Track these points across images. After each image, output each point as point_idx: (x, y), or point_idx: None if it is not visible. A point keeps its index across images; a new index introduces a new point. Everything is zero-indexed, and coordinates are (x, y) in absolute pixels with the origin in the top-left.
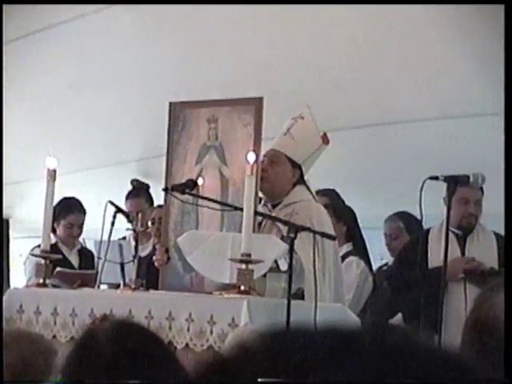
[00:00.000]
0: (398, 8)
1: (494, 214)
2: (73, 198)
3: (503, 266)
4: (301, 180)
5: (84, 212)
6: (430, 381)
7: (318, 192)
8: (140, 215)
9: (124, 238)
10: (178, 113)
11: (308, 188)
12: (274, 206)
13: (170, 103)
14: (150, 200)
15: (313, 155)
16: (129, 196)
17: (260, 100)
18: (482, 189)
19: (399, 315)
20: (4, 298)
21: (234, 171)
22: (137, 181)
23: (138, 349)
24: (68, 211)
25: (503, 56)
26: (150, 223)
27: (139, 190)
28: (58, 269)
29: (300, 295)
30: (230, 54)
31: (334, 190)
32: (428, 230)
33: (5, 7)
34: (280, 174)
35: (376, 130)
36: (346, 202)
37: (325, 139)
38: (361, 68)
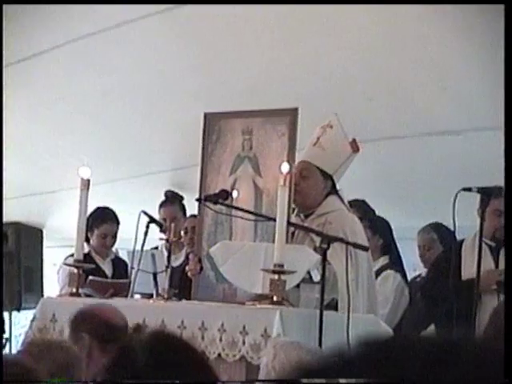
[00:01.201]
0: (416, 13)
1: None
2: (106, 208)
3: None
4: (333, 190)
5: (118, 222)
6: None
7: (349, 203)
8: (173, 225)
9: (156, 247)
10: (213, 124)
11: (340, 198)
12: (306, 217)
13: (205, 114)
14: (184, 210)
15: (343, 164)
16: (163, 204)
17: (295, 111)
18: None
19: (432, 327)
20: (37, 307)
21: (268, 182)
22: (171, 192)
23: (174, 359)
24: (102, 221)
25: None
26: (182, 233)
27: (174, 199)
28: (91, 277)
29: (333, 306)
30: (259, 63)
31: (364, 201)
32: (461, 242)
33: (38, 18)
34: (312, 187)
35: (408, 142)
36: (379, 213)
37: (354, 146)
38: (393, 79)
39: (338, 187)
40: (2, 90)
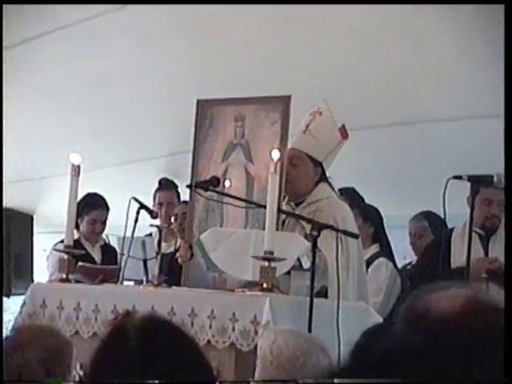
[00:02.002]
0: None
1: None
2: (96, 195)
3: None
4: (323, 177)
5: (107, 208)
6: None
7: (338, 190)
8: (164, 211)
9: (150, 234)
10: (206, 110)
11: (331, 185)
12: (297, 205)
13: (198, 101)
14: (179, 197)
15: (333, 151)
16: (160, 189)
17: (288, 98)
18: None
19: None
20: (27, 292)
21: (260, 169)
22: (166, 179)
23: (167, 344)
24: (92, 207)
25: None
26: (172, 219)
27: (170, 185)
28: (80, 263)
29: (324, 293)
30: (252, 51)
31: (353, 189)
32: (451, 230)
33: (25, 6)
34: (302, 174)
35: (400, 129)
36: (370, 202)
37: (343, 132)
38: (384, 67)
39: (328, 174)
40: (2, 87)
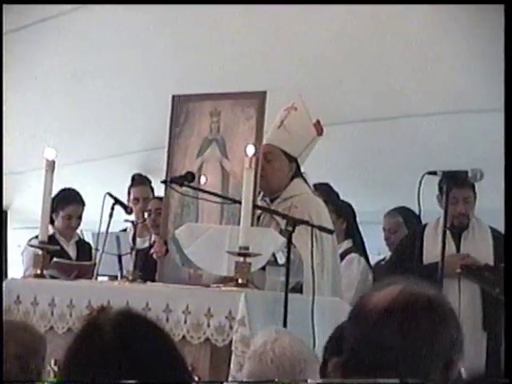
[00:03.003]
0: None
1: (496, 210)
2: (71, 190)
3: (499, 261)
4: (298, 173)
5: (83, 203)
6: None
7: (313, 186)
8: (138, 206)
9: (125, 229)
10: (181, 105)
11: (305, 181)
12: (272, 200)
13: (173, 96)
14: (153, 192)
15: (308, 146)
16: (134, 184)
17: (263, 94)
18: (473, 185)
19: None
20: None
21: (235, 164)
22: (139, 174)
23: (142, 339)
24: (67, 202)
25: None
26: (146, 214)
27: (144, 180)
28: (55, 259)
29: (299, 289)
30: (232, 47)
31: (328, 185)
32: (424, 226)
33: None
34: (277, 170)
35: (374, 125)
36: (344, 197)
37: (318, 128)
38: (361, 62)
39: (302, 170)
40: (2, 86)
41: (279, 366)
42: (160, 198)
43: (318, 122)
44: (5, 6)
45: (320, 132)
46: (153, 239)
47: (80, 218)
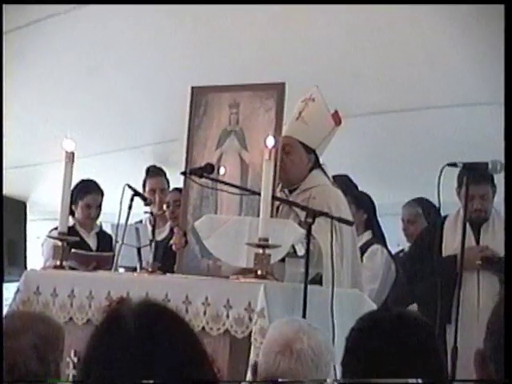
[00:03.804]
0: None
1: None
2: (90, 180)
3: None
4: (317, 164)
5: (102, 193)
6: None
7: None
8: (158, 198)
9: (140, 221)
10: (200, 97)
11: (324, 172)
12: (290, 192)
13: (192, 88)
14: (168, 184)
15: (326, 138)
16: (150, 175)
17: (282, 85)
18: (492, 179)
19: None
20: (21, 279)
21: (254, 156)
22: (154, 166)
23: (164, 329)
24: (85, 192)
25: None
26: (165, 206)
27: (159, 171)
28: (73, 250)
29: (319, 280)
30: (250, 39)
31: (347, 176)
32: (444, 218)
33: None
34: (296, 162)
35: (393, 117)
36: (363, 189)
37: (336, 119)
38: (378, 55)
39: (321, 161)
40: (2, 85)
41: (310, 363)
42: (179, 190)
43: (336, 112)
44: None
45: (338, 122)
46: (168, 230)
47: (99, 207)
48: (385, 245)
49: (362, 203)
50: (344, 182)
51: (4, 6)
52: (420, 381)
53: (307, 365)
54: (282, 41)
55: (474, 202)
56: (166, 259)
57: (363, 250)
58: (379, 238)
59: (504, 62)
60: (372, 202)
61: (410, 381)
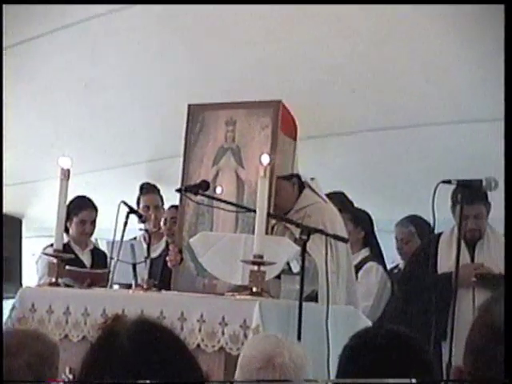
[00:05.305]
0: (407, 10)
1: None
2: (84, 196)
3: None
4: (303, 184)
5: (96, 209)
6: None
7: (327, 195)
8: (153, 215)
9: (135, 238)
10: (197, 115)
11: (313, 190)
12: (285, 213)
13: (189, 105)
14: (162, 200)
15: (294, 156)
16: (144, 192)
17: (278, 103)
18: (485, 197)
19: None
20: (16, 296)
21: (250, 173)
22: (147, 183)
23: (159, 346)
24: (80, 208)
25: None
26: (162, 223)
27: (153, 188)
28: (68, 267)
29: (314, 297)
30: (245, 56)
31: (342, 193)
32: (439, 236)
33: (19, 7)
34: (282, 194)
35: (389, 134)
36: (358, 205)
37: (292, 133)
38: (372, 72)
39: (312, 176)
40: (2, 89)
41: (292, 375)
42: (176, 207)
43: (288, 125)
44: (23, 16)
45: (294, 136)
46: (163, 247)
47: (94, 223)
48: (382, 262)
49: (360, 220)
50: (340, 199)
51: (4, 6)
52: (414, 380)
53: (290, 377)
54: (278, 57)
55: (468, 221)
56: (161, 276)
57: (359, 266)
58: (377, 255)
59: (504, 61)
60: (370, 219)
61: (405, 380)
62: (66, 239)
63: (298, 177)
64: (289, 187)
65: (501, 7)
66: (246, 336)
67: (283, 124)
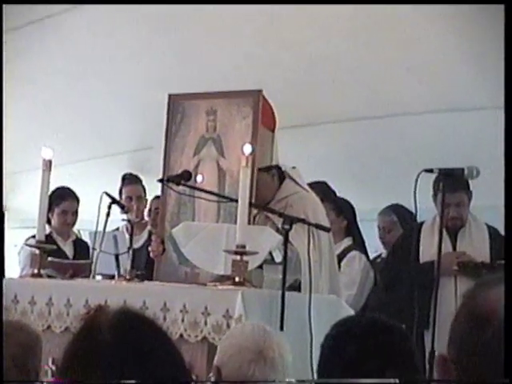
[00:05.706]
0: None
1: (492, 207)
2: (65, 187)
3: (496, 258)
4: (283, 175)
5: (77, 199)
6: None
7: (309, 185)
8: (135, 206)
9: (117, 229)
10: (177, 105)
11: (294, 180)
12: (266, 204)
13: (170, 95)
14: (145, 191)
15: (273, 148)
16: (127, 183)
17: (259, 92)
18: (467, 186)
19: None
20: None
21: (232, 163)
22: (130, 174)
23: (141, 337)
24: (61, 199)
25: (502, 54)
26: (146, 214)
27: (136, 178)
28: (50, 258)
29: (297, 286)
30: (226, 46)
31: (325, 183)
32: (421, 224)
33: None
34: (262, 186)
35: (370, 123)
36: (340, 195)
37: (270, 125)
38: (356, 61)
39: (293, 165)
40: (2, 89)
41: (280, 368)
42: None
43: (266, 116)
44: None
45: (273, 128)
46: (146, 237)
47: (76, 213)
48: (365, 251)
49: (342, 209)
50: (322, 189)
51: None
52: (397, 381)
53: (278, 370)
54: (258, 47)
55: (449, 209)
56: (144, 267)
57: (342, 256)
58: (359, 244)
59: (504, 61)
60: (352, 208)
61: (388, 381)
62: (48, 230)
63: (278, 168)
64: (268, 179)
65: (501, 7)
66: (228, 326)
67: (262, 116)
